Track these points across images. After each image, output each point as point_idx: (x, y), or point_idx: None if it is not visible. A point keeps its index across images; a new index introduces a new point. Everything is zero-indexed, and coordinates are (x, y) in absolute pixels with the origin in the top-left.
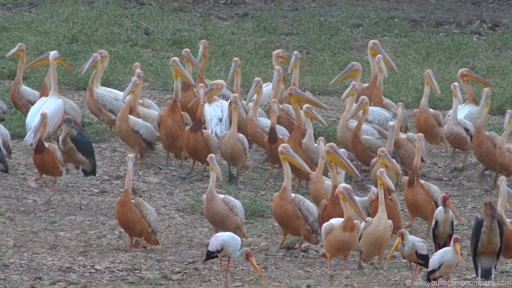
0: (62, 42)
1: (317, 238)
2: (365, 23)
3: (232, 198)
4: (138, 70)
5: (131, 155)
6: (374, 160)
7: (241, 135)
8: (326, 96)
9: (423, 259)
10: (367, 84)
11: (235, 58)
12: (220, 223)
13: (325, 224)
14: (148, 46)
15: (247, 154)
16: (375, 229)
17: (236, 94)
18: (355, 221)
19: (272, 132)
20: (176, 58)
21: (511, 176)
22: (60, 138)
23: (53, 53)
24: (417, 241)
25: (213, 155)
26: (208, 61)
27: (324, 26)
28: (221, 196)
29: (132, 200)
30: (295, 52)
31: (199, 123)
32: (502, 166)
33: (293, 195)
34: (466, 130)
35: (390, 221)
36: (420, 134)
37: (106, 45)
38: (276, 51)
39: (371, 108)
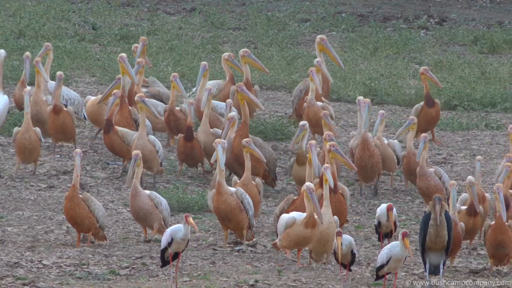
0: (9, 37)
1: (252, 234)
2: (313, 18)
3: (159, 196)
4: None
5: (78, 150)
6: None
7: (152, 137)
8: (273, 91)
9: (352, 259)
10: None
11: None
12: (144, 219)
13: (286, 217)
14: (96, 41)
15: (161, 157)
16: (319, 226)
17: (141, 94)
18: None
19: (189, 130)
20: (124, 54)
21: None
22: None
23: (2, 52)
24: (352, 240)
25: (137, 152)
26: (145, 56)
27: (271, 21)
28: (147, 192)
29: (80, 195)
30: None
31: (110, 123)
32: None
33: (233, 189)
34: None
35: (335, 217)
36: (328, 132)
37: (53, 40)
38: (224, 54)
39: None
